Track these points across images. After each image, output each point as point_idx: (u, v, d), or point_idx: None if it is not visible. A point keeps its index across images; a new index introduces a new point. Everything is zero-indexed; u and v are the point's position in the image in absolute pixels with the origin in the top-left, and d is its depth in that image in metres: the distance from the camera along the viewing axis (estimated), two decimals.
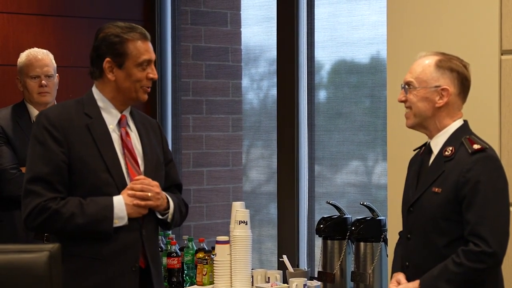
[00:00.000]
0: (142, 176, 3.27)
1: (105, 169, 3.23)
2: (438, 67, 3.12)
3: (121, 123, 3.32)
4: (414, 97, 3.14)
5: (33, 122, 3.30)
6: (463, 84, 3.15)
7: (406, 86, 3.16)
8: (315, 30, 4.89)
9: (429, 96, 3.13)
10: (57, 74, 4.55)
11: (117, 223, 3.21)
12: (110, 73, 3.26)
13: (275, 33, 4.99)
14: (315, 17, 4.89)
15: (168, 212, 3.34)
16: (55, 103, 4.52)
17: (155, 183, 3.28)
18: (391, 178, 3.95)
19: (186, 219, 5.31)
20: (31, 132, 3.28)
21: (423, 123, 3.16)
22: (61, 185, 3.20)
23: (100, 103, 3.30)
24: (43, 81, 4.47)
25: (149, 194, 3.24)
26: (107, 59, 3.25)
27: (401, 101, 3.18)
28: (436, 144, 3.16)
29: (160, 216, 3.32)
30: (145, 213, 3.28)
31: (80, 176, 3.22)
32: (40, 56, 4.51)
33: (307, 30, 4.90)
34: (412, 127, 3.19)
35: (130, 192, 3.22)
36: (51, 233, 3.29)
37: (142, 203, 3.23)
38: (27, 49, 4.56)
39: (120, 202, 3.21)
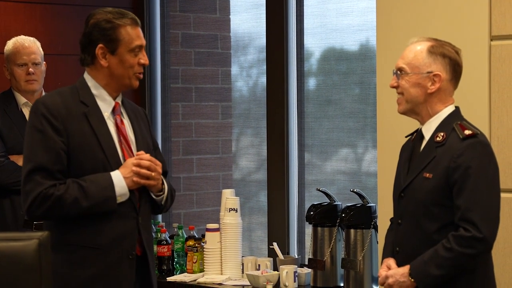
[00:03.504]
0: (147, 155, 3.27)
1: (103, 157, 3.24)
2: (430, 53, 3.12)
3: (115, 111, 3.32)
4: (406, 83, 3.14)
5: (30, 110, 3.27)
6: (455, 70, 3.15)
7: (398, 72, 3.16)
8: (304, 17, 4.88)
9: (421, 82, 3.12)
10: (44, 62, 4.53)
11: (120, 199, 3.23)
12: (103, 59, 3.26)
13: (264, 20, 4.97)
14: (304, 3, 4.88)
15: (161, 194, 3.35)
16: (43, 90, 4.51)
17: (159, 163, 3.30)
18: (381, 164, 3.95)
19: (176, 207, 5.33)
20: (28, 120, 3.26)
21: (414, 109, 3.16)
22: (60, 173, 3.20)
23: (94, 91, 3.30)
24: (30, 69, 4.45)
25: (153, 173, 3.26)
26: (100, 45, 3.24)
27: (393, 87, 3.18)
28: (428, 130, 3.15)
29: (154, 196, 3.33)
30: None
31: (78, 165, 3.21)
32: (27, 44, 4.49)
33: (296, 17, 4.89)
34: (404, 113, 3.19)
35: (135, 168, 3.22)
36: (54, 219, 3.26)
37: (142, 181, 3.25)
38: (14, 37, 4.54)
39: (119, 179, 3.21)
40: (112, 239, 3.23)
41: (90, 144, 3.22)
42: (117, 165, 3.25)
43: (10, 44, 4.51)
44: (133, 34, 3.26)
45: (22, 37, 4.52)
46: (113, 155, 3.25)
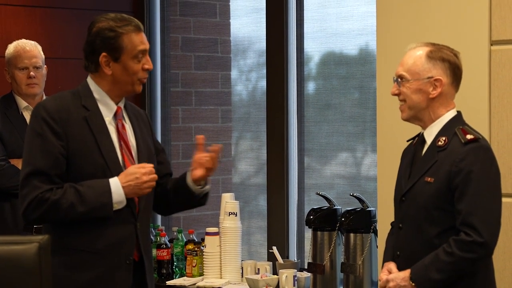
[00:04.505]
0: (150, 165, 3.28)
1: (103, 163, 3.22)
2: (429, 58, 3.12)
3: (117, 115, 3.31)
4: (407, 89, 3.14)
5: (31, 113, 3.26)
6: (455, 73, 3.15)
7: (399, 79, 3.15)
8: (304, 21, 4.89)
9: (422, 88, 3.12)
10: (45, 66, 4.53)
11: (117, 206, 3.21)
12: (107, 67, 3.24)
13: (264, 24, 4.98)
14: (304, 8, 4.88)
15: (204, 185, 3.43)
16: (44, 94, 4.51)
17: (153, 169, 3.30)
18: (381, 169, 3.95)
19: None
20: (29, 123, 3.25)
21: (417, 115, 3.15)
22: (58, 177, 3.18)
23: (96, 95, 3.28)
24: (31, 73, 4.46)
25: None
26: (103, 54, 3.23)
27: (394, 94, 3.17)
28: (430, 134, 3.16)
29: (196, 188, 3.41)
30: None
31: (78, 169, 3.20)
32: (28, 48, 4.49)
33: (296, 21, 4.90)
34: (407, 119, 3.18)
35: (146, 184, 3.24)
36: (50, 223, 3.26)
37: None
38: (15, 41, 4.54)
39: (117, 186, 3.20)
40: (110, 244, 3.21)
41: (89, 149, 3.21)
42: (117, 170, 3.23)
43: (11, 48, 4.51)
44: (136, 40, 3.24)
45: (23, 40, 4.53)
46: (113, 160, 3.24)
